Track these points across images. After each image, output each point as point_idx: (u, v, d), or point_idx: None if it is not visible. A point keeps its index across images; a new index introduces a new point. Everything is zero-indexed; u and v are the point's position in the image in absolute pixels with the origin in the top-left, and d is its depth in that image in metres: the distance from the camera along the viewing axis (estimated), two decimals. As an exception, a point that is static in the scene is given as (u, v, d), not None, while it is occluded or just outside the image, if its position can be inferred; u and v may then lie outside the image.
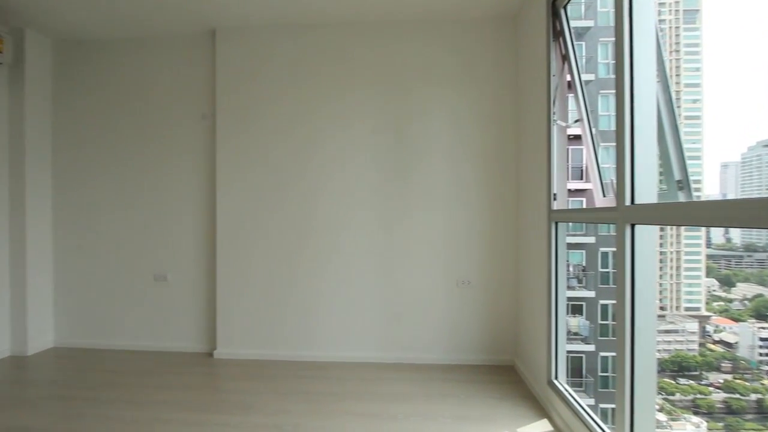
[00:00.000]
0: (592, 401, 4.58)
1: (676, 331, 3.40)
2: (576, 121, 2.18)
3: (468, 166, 2.90)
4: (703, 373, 3.37)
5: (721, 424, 3.17)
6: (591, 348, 6.23)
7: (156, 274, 3.18)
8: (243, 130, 3.02)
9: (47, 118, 3.22)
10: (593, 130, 2.12)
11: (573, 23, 2.17)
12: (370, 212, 2.95)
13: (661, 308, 3.23)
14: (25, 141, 3.04)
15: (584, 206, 5.67)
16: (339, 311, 2.98)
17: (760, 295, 2.94)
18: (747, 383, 3.16)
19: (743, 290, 2.99)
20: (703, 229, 3.06)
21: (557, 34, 2.23)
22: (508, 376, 2.69)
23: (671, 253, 3.12)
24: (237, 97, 3.03)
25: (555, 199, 2.23)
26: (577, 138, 2.30)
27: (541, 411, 2.20)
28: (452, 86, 2.91)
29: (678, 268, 3.12)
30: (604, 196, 1.99)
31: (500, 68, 2.88)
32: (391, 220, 2.94)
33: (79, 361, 2.98)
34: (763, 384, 3.13)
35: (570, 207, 2.24)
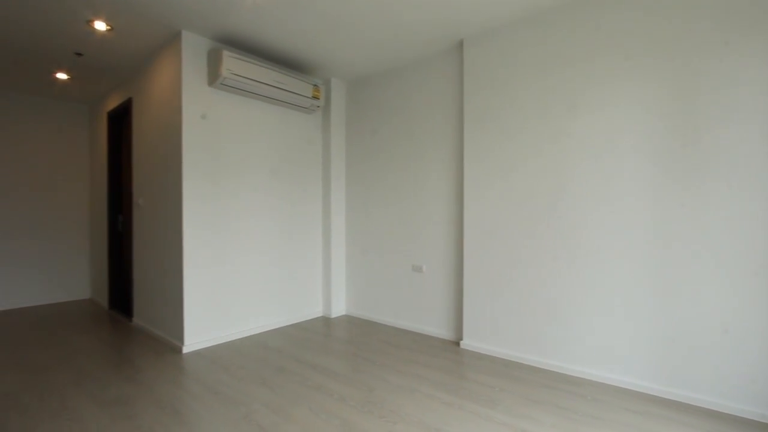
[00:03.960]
0: None
1: None
2: None
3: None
4: None
5: None
6: None
7: (414, 265, 3.71)
8: (489, 133, 3.11)
9: (342, 140, 4.31)
10: None
11: None
12: (640, 214, 2.44)
13: None
14: (330, 163, 4.17)
15: None
16: (598, 324, 2.61)
17: None
18: None
19: None
20: None
21: None
22: None
23: None
24: (483, 103, 3.14)
25: None
26: None
27: None
28: (778, 32, 2.05)
29: None
30: None
31: None
32: (671, 222, 2.34)
33: (361, 327, 3.82)
34: None
35: None
